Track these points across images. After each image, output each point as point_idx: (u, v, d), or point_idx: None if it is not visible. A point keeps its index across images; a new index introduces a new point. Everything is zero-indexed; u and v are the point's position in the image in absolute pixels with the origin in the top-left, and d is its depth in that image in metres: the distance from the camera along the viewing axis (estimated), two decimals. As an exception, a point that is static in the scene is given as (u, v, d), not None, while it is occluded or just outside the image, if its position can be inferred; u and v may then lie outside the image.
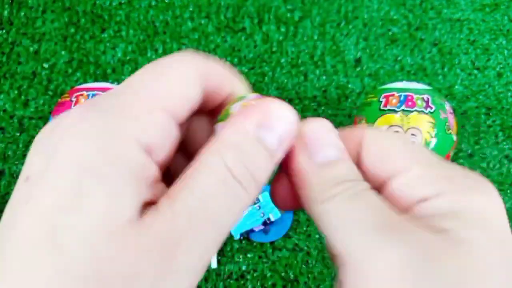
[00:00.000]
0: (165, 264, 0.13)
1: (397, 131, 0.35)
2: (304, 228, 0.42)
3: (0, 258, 0.13)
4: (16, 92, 0.45)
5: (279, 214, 0.41)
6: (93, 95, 0.37)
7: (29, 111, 0.44)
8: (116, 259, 0.13)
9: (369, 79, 0.46)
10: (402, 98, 0.36)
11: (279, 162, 0.16)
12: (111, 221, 0.13)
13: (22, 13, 0.47)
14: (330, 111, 0.45)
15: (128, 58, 0.46)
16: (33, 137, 0.43)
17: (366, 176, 0.17)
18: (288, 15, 0.48)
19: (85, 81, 0.45)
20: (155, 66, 0.16)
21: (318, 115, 0.45)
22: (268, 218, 0.41)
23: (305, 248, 0.42)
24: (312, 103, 0.45)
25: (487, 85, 0.46)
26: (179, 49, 0.46)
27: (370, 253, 0.14)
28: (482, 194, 0.15)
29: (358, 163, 0.17)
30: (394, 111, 0.35)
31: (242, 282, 0.41)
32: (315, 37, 0.47)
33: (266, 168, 0.15)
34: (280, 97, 0.33)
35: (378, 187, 0.17)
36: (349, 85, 0.46)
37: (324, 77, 0.46)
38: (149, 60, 0.46)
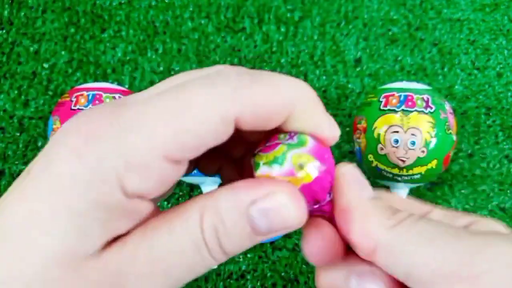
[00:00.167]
0: None
1: (397, 131, 0.35)
2: (304, 228, 0.42)
3: None
4: (16, 92, 0.45)
5: (279, 214, 0.41)
6: (93, 95, 0.37)
7: (29, 111, 0.44)
8: (59, 283, 0.13)
9: (369, 79, 0.46)
10: (402, 98, 0.36)
11: (308, 216, 0.15)
12: (69, 253, 0.13)
13: (22, 13, 0.47)
14: (330, 111, 0.45)
15: (128, 58, 0.46)
16: (33, 137, 0.44)
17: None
18: (288, 15, 0.48)
19: (85, 81, 0.45)
20: (171, 99, 0.14)
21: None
22: (268, 218, 0.41)
23: (305, 248, 0.42)
24: (312, 103, 0.45)
25: (487, 85, 0.46)
26: (179, 49, 0.46)
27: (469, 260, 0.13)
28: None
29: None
30: (394, 111, 0.35)
31: (242, 282, 0.41)
32: (315, 37, 0.47)
33: (242, 242, 0.14)
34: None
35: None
36: (349, 85, 0.46)
37: (324, 77, 0.46)
38: (149, 60, 0.46)
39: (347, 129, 0.44)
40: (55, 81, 0.45)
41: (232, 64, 0.46)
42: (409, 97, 0.36)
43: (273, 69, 0.46)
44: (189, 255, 0.14)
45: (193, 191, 0.43)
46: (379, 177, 0.37)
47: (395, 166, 0.35)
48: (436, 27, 0.48)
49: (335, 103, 0.45)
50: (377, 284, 0.15)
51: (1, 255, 0.13)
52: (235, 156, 0.20)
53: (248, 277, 0.41)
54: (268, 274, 0.41)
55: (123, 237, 0.14)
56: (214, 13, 0.48)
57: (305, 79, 0.46)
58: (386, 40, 0.47)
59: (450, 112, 0.36)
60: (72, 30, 0.47)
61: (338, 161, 0.24)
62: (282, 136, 0.16)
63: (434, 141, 0.35)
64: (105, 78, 0.45)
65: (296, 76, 0.46)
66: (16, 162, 0.43)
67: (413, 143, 0.34)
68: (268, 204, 0.14)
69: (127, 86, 0.45)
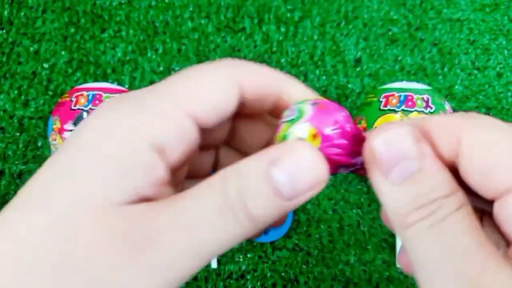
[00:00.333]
0: (131, 252, 0.13)
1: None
2: (304, 228, 0.42)
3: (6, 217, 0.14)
4: (16, 92, 0.45)
5: (279, 214, 0.41)
6: (93, 95, 0.37)
7: (29, 111, 0.44)
8: (86, 228, 0.13)
9: (369, 79, 0.46)
10: (402, 98, 0.36)
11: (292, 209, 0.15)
12: (97, 198, 0.13)
13: (22, 13, 0.47)
14: (330, 111, 0.45)
15: (128, 58, 0.46)
16: (33, 137, 0.44)
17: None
18: (288, 15, 0.48)
19: (85, 81, 0.45)
20: (187, 72, 0.16)
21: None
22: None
23: (305, 248, 0.42)
24: (312, 103, 0.45)
25: (487, 85, 0.46)
26: (179, 49, 0.46)
27: None
28: None
29: (457, 165, 0.14)
30: (394, 111, 0.35)
31: (242, 282, 0.41)
32: (315, 37, 0.47)
33: (267, 206, 0.14)
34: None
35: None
36: (349, 85, 0.46)
37: (324, 77, 0.46)
38: (149, 60, 0.46)
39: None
40: (55, 81, 0.45)
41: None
42: (409, 97, 0.36)
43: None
44: (213, 218, 0.14)
45: None
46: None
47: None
48: (436, 27, 0.48)
49: (335, 103, 0.45)
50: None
51: (34, 206, 0.14)
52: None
53: (248, 277, 0.41)
54: (268, 274, 0.41)
55: (148, 201, 0.14)
56: (214, 13, 0.48)
57: (305, 79, 0.46)
58: (386, 40, 0.47)
59: (450, 112, 0.36)
60: (72, 30, 0.47)
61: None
62: (285, 112, 0.17)
63: (434, 141, 0.35)
64: (105, 78, 0.45)
65: (296, 76, 0.46)
66: (16, 162, 0.43)
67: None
68: (287, 162, 0.14)
69: (127, 86, 0.45)
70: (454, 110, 0.41)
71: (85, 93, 0.37)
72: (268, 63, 0.46)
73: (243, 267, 0.41)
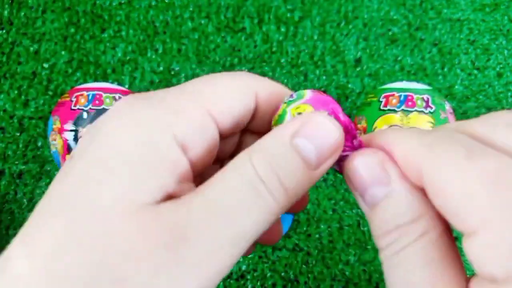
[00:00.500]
0: (169, 255, 0.13)
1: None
2: (304, 228, 0.42)
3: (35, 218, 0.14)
4: (16, 92, 0.45)
5: (279, 214, 0.41)
6: (93, 95, 0.37)
7: (29, 111, 0.44)
8: (119, 234, 0.13)
9: (369, 79, 0.46)
10: (402, 98, 0.36)
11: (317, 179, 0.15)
12: (126, 200, 0.13)
13: (22, 13, 0.47)
14: (330, 111, 0.45)
15: (128, 58, 0.46)
16: (33, 137, 0.44)
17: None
18: (288, 15, 0.48)
19: (85, 81, 0.45)
20: (210, 77, 0.16)
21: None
22: (268, 218, 0.41)
23: (305, 248, 0.42)
24: (312, 103, 0.45)
25: (487, 85, 0.46)
26: (179, 49, 0.46)
27: None
28: None
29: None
30: (394, 111, 0.35)
31: (242, 282, 0.41)
32: (315, 37, 0.47)
33: (298, 176, 0.14)
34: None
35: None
36: (349, 85, 0.46)
37: (324, 77, 0.46)
38: (149, 60, 0.46)
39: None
40: (55, 81, 0.45)
41: (232, 64, 0.46)
42: (409, 97, 0.36)
43: (273, 69, 0.46)
44: (246, 198, 0.13)
45: None
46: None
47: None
48: (436, 27, 0.48)
49: (335, 103, 0.45)
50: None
51: (66, 205, 0.13)
52: None
53: (248, 277, 0.41)
54: (268, 274, 0.41)
55: (176, 197, 0.14)
56: (214, 13, 0.48)
57: (305, 79, 0.46)
58: (386, 40, 0.47)
59: (450, 112, 0.36)
60: (72, 30, 0.47)
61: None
62: (285, 98, 0.18)
63: (434, 141, 0.34)
64: (105, 78, 0.45)
65: (296, 76, 0.46)
66: (16, 162, 0.43)
67: (413, 143, 0.34)
68: (309, 131, 0.14)
69: (127, 86, 0.45)
70: (454, 110, 0.41)
71: (85, 93, 0.37)
72: (268, 63, 0.46)
73: (243, 267, 0.41)
